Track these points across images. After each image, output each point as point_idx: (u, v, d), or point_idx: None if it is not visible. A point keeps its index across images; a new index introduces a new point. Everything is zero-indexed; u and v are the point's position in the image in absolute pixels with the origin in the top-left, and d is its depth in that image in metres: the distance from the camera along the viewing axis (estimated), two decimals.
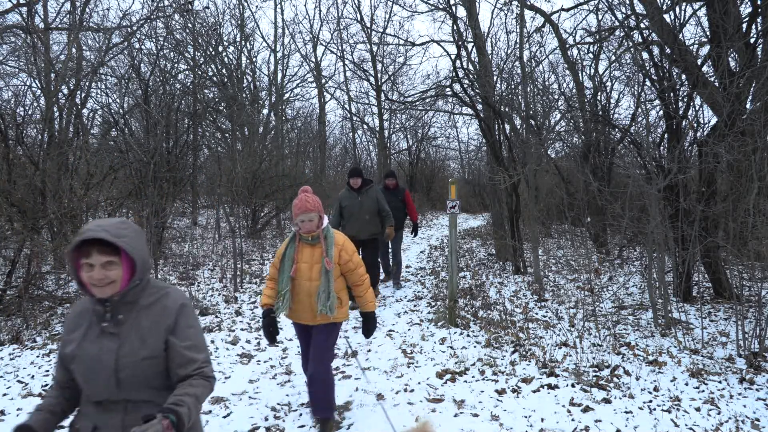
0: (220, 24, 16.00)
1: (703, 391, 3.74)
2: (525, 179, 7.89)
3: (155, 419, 1.38)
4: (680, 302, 5.93)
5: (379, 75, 19.77)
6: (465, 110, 14.03)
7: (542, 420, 3.33)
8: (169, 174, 8.61)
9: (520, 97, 9.04)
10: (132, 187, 7.94)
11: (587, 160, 9.42)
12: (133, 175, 8.03)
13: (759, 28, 6.03)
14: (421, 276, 8.37)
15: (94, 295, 1.57)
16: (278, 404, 3.63)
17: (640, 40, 6.96)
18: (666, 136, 6.73)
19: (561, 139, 11.22)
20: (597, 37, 10.13)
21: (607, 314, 5.69)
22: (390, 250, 7.44)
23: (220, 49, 16.01)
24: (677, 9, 6.34)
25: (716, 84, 6.03)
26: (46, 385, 3.89)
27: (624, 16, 7.66)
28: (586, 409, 3.45)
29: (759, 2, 5.91)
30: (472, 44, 10.48)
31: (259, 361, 4.49)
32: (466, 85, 9.23)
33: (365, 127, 22.90)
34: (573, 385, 3.82)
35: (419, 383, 3.92)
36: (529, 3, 10.12)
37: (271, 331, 3.06)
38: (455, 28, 10.36)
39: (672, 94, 6.26)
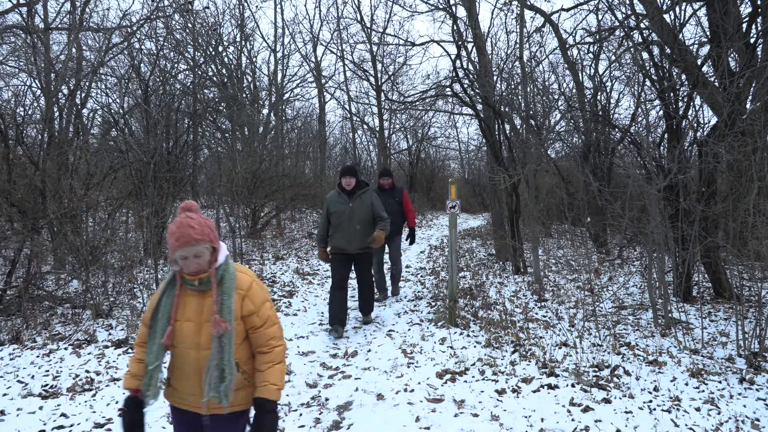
0: (220, 24, 16.00)
1: (703, 391, 3.74)
2: (525, 179, 7.89)
3: None
4: (680, 302, 5.93)
5: (379, 75, 19.79)
6: (465, 110, 14.06)
7: (542, 420, 3.32)
8: (169, 174, 8.60)
9: (520, 97, 9.05)
10: (132, 187, 7.93)
11: (587, 160, 9.44)
12: (133, 175, 8.01)
13: (759, 28, 6.04)
14: (421, 276, 8.37)
15: None
16: (278, 404, 3.62)
17: (640, 40, 6.97)
18: (666, 136, 6.73)
19: (561, 139, 11.23)
20: (597, 37, 10.15)
21: (607, 314, 5.69)
22: (388, 260, 6.97)
23: (220, 49, 16.00)
24: (677, 9, 6.34)
25: (716, 84, 6.03)
26: (46, 385, 3.88)
27: (624, 16, 7.68)
28: (586, 409, 3.45)
29: (759, 2, 5.91)
30: (472, 44, 10.50)
31: None
32: (466, 85, 9.23)
33: (365, 127, 22.95)
34: (573, 385, 3.82)
35: (419, 383, 3.91)
36: (529, 3, 10.14)
37: None
38: (455, 28, 10.37)
39: (672, 94, 6.26)
